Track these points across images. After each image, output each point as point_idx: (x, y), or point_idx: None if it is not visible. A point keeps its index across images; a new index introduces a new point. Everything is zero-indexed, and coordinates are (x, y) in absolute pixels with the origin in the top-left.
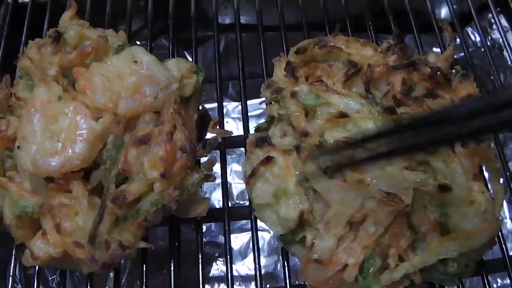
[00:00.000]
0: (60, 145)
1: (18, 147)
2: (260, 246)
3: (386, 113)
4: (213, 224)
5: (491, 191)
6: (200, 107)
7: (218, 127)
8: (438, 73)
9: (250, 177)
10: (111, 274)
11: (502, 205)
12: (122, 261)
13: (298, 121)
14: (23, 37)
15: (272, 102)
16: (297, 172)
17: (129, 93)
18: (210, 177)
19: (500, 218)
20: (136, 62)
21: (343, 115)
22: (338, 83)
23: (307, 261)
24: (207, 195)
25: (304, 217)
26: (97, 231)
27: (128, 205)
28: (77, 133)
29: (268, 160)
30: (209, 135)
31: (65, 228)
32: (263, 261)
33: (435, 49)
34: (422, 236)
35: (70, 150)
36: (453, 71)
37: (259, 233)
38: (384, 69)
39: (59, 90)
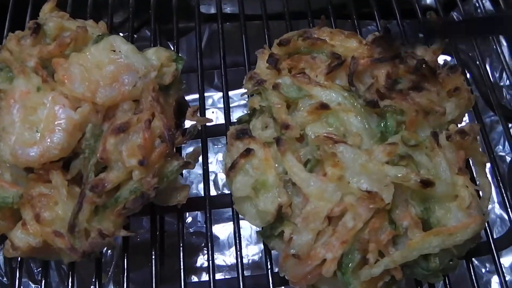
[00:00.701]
0: (38, 135)
1: None
2: (247, 235)
3: (369, 106)
4: (199, 214)
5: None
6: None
7: (198, 115)
8: (424, 65)
9: (230, 170)
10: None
11: (489, 199)
12: (109, 253)
13: (279, 113)
14: (5, 31)
15: (254, 94)
16: (276, 165)
17: (107, 82)
18: (189, 164)
19: (486, 212)
20: (114, 51)
21: (324, 107)
22: (321, 75)
23: (286, 256)
24: (193, 186)
25: (283, 210)
26: (77, 220)
27: (107, 194)
28: (56, 123)
29: (248, 152)
30: (189, 123)
31: (45, 218)
32: (249, 250)
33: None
34: (403, 232)
35: (48, 140)
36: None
37: (242, 222)
38: (368, 62)
39: (38, 81)
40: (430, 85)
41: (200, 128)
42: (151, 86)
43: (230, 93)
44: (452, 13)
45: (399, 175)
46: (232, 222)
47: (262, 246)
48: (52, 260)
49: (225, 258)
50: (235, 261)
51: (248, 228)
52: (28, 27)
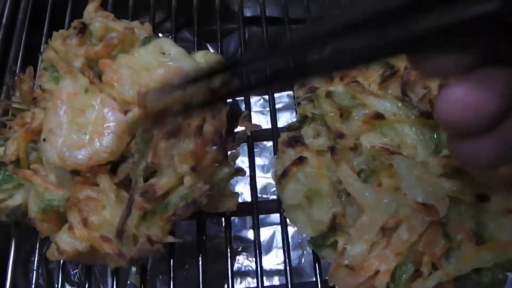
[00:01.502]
0: (87, 137)
1: (44, 140)
2: (280, 240)
3: (423, 117)
4: (236, 218)
5: None
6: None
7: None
8: None
9: (281, 177)
10: (133, 269)
11: None
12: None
13: (334, 122)
14: (45, 29)
15: (306, 101)
16: (330, 174)
17: (157, 86)
18: (240, 171)
19: None
20: (164, 54)
21: (378, 116)
22: (374, 84)
23: (338, 266)
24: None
25: (337, 220)
26: (125, 225)
27: (156, 199)
28: (105, 125)
29: (301, 160)
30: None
31: (92, 222)
32: (280, 256)
33: None
34: (456, 245)
35: (97, 143)
36: None
37: (280, 227)
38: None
39: (86, 82)
40: None
41: (249, 134)
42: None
43: (266, 96)
44: None
45: (455, 189)
46: (267, 227)
47: (300, 251)
48: (97, 265)
49: (262, 263)
50: (271, 266)
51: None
52: (74, 26)
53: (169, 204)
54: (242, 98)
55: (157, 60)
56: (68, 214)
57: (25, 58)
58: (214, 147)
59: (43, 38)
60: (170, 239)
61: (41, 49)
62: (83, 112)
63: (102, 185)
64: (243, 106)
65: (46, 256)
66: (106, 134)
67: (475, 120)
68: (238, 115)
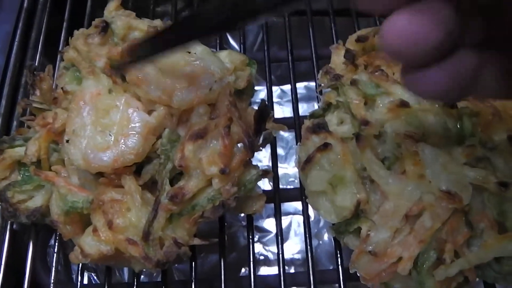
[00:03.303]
0: (112, 139)
1: (67, 141)
2: (298, 230)
3: (447, 107)
4: None
5: None
6: (258, 101)
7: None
8: None
9: (305, 163)
10: None
11: None
12: None
13: (358, 109)
14: (63, 29)
15: (330, 89)
16: (354, 161)
17: (183, 85)
18: (268, 173)
19: None
20: (189, 52)
21: (403, 104)
22: (398, 73)
23: (360, 252)
24: None
25: (361, 207)
26: (151, 228)
27: (183, 202)
28: (130, 126)
29: (325, 146)
30: None
31: (118, 225)
32: (302, 245)
33: None
34: (479, 233)
35: (123, 145)
36: None
37: (296, 217)
38: None
39: (109, 82)
40: None
41: (275, 135)
42: (227, 90)
43: (283, 87)
44: None
45: (479, 177)
46: (283, 217)
47: (315, 241)
48: (122, 267)
49: (276, 252)
50: (289, 256)
51: (297, 223)
52: (95, 25)
53: (196, 206)
54: (261, 87)
55: (183, 59)
56: (92, 216)
57: (43, 55)
58: (242, 148)
59: (62, 36)
60: (197, 241)
61: (60, 48)
62: (107, 113)
63: (127, 187)
64: (262, 95)
65: (70, 259)
66: (131, 135)
67: (420, 50)
68: (266, 115)
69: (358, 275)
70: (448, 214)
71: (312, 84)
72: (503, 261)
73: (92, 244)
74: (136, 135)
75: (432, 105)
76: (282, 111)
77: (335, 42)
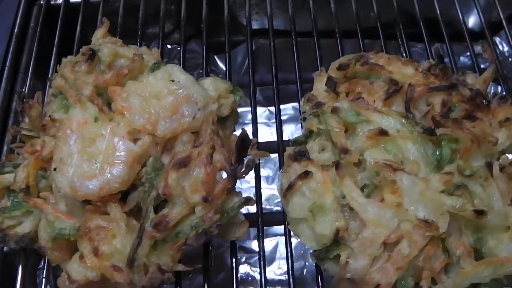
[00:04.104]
0: (98, 167)
1: (55, 169)
2: (284, 252)
3: (426, 134)
4: None
5: None
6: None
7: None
8: (478, 95)
9: (287, 191)
10: None
11: None
12: None
13: (339, 137)
14: (53, 55)
15: (312, 116)
16: (334, 189)
17: (167, 114)
18: (250, 201)
19: None
20: (173, 81)
21: (383, 133)
22: (379, 100)
23: (340, 279)
24: None
25: (340, 234)
26: (136, 254)
27: (167, 229)
28: (115, 155)
29: (306, 174)
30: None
31: (103, 252)
32: (283, 267)
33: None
34: (456, 260)
35: (108, 173)
36: (491, 93)
37: (283, 238)
38: (424, 90)
39: (95, 111)
40: (483, 114)
41: (258, 162)
42: (210, 119)
43: (271, 108)
44: (494, 37)
45: (456, 205)
46: (270, 238)
47: (302, 262)
48: None
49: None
50: (274, 276)
51: (282, 245)
52: (82, 53)
53: (180, 233)
54: (249, 109)
55: (167, 88)
56: (79, 243)
57: (33, 79)
58: (224, 176)
59: (52, 62)
60: (181, 267)
61: (50, 74)
62: (93, 142)
63: (112, 214)
64: (249, 117)
65: (58, 285)
66: (117, 164)
67: None
68: (247, 144)
69: None
70: (425, 242)
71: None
72: (480, 287)
73: (79, 270)
74: (121, 164)
75: (411, 133)
76: (270, 132)
77: (319, 66)
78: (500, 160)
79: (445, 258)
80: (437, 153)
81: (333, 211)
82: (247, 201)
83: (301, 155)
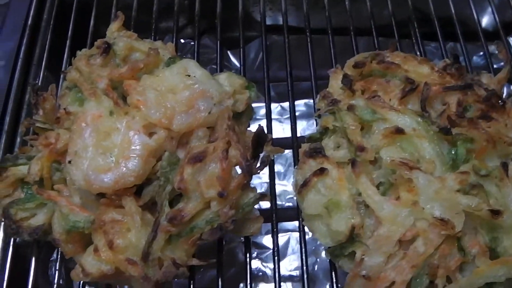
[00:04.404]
0: (113, 161)
1: (69, 162)
2: (296, 247)
3: (442, 133)
4: None
5: None
6: (255, 126)
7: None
8: (493, 95)
9: (302, 187)
10: None
11: None
12: None
13: (355, 135)
14: (66, 49)
15: (327, 114)
16: (350, 186)
17: (183, 109)
18: (265, 197)
19: None
20: (189, 76)
21: (399, 131)
22: (395, 99)
23: (355, 276)
24: None
25: (355, 231)
26: (151, 248)
27: (182, 223)
28: (131, 149)
29: (322, 171)
30: None
31: (118, 245)
32: (300, 262)
33: (475, 57)
34: (471, 259)
35: (124, 167)
36: (505, 93)
37: (295, 234)
38: (440, 89)
39: (110, 105)
40: (498, 115)
41: (273, 158)
42: (226, 114)
43: (284, 104)
44: (508, 38)
45: (472, 205)
46: (282, 234)
47: (313, 258)
48: (122, 285)
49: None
50: (285, 272)
51: (297, 240)
52: (97, 46)
53: (195, 228)
54: (261, 104)
55: (183, 82)
56: (94, 236)
57: (47, 72)
58: (240, 172)
59: (65, 54)
60: (195, 261)
61: (63, 67)
62: (108, 135)
63: (127, 208)
64: (261, 112)
65: (71, 277)
66: (132, 157)
67: None
68: (263, 141)
69: None
70: (440, 240)
71: (312, 101)
72: (495, 287)
73: (93, 263)
74: (137, 158)
75: (427, 132)
76: (282, 128)
77: (333, 64)
78: None
79: (460, 257)
80: (453, 152)
81: (349, 208)
82: (262, 197)
83: (317, 152)
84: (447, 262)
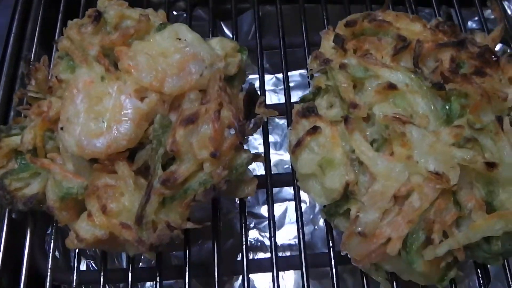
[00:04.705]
0: (105, 125)
1: (62, 129)
2: (294, 216)
3: (435, 88)
4: None
5: None
6: (248, 85)
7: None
8: (487, 52)
9: (295, 147)
10: None
11: None
12: None
13: (347, 92)
14: (59, 20)
15: (319, 74)
16: (343, 143)
17: (174, 72)
18: (258, 157)
19: None
20: (179, 39)
21: (391, 87)
22: (387, 56)
23: (350, 234)
24: None
25: (349, 188)
26: (144, 212)
27: (175, 186)
28: (122, 113)
29: (315, 130)
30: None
31: (111, 209)
32: (292, 231)
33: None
34: (467, 213)
35: (116, 131)
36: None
37: (292, 203)
38: (433, 46)
39: (101, 71)
40: (492, 71)
41: (266, 120)
42: (217, 76)
43: (278, 75)
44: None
45: (466, 157)
46: (279, 203)
47: (311, 226)
48: (117, 252)
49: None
50: (284, 241)
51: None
52: (88, 15)
53: (188, 190)
54: (256, 76)
55: (174, 46)
56: (87, 202)
57: (39, 46)
58: (232, 132)
59: (57, 27)
60: (189, 225)
61: (56, 38)
62: (100, 100)
63: (120, 172)
64: (256, 84)
65: (66, 244)
66: (124, 121)
67: None
68: (255, 99)
69: (349, 257)
70: (436, 195)
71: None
72: (492, 241)
73: (87, 228)
74: (129, 121)
75: (421, 87)
76: (277, 98)
77: (326, 27)
78: (511, 115)
79: (456, 211)
80: (447, 107)
81: (343, 165)
82: (256, 157)
83: (310, 111)
84: (443, 217)
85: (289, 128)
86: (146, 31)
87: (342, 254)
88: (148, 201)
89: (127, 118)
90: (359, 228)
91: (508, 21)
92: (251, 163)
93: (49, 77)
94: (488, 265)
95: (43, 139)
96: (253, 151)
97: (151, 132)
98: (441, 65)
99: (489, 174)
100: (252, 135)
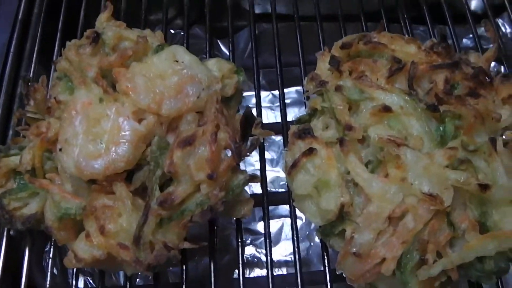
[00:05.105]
0: (103, 147)
1: (60, 150)
2: (290, 233)
3: (429, 110)
4: None
5: None
6: (245, 107)
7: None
8: (481, 73)
9: (291, 168)
10: None
11: None
12: None
13: (342, 114)
14: (57, 40)
15: (315, 95)
16: (339, 165)
17: (172, 94)
18: (255, 178)
19: None
20: (177, 61)
21: (386, 109)
22: (382, 78)
23: (346, 254)
24: None
25: (345, 209)
26: (142, 232)
27: (173, 207)
28: (120, 134)
29: (310, 151)
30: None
31: (109, 230)
32: (288, 248)
33: (464, 40)
34: (461, 234)
35: (114, 153)
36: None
37: (288, 220)
38: (427, 67)
39: (100, 92)
40: (486, 92)
41: (262, 141)
42: (214, 98)
43: (275, 92)
44: (497, 19)
45: (460, 179)
46: (275, 220)
47: (307, 243)
48: (115, 271)
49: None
50: (280, 257)
51: (288, 226)
52: (87, 36)
53: (185, 211)
54: (252, 93)
55: (171, 68)
56: (85, 222)
57: (38, 64)
58: (229, 154)
59: (56, 46)
60: (186, 245)
61: (54, 57)
62: (98, 122)
63: (118, 193)
64: (253, 101)
65: (64, 264)
66: (122, 143)
67: None
68: (252, 120)
69: (344, 276)
70: (430, 216)
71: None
72: (485, 261)
73: (85, 249)
74: (127, 143)
75: (415, 109)
76: (274, 116)
77: (322, 48)
78: (504, 136)
79: (450, 231)
80: (441, 129)
81: (338, 187)
82: (252, 178)
83: (305, 133)
84: (437, 237)
85: (285, 148)
86: (144, 53)
87: (337, 273)
88: (146, 222)
89: (125, 140)
90: (354, 249)
91: (501, 39)
92: (247, 184)
93: (48, 97)
94: (482, 284)
95: (42, 159)
96: (249, 168)
97: (148, 153)
98: (435, 87)
99: (483, 195)
100: (248, 155)
